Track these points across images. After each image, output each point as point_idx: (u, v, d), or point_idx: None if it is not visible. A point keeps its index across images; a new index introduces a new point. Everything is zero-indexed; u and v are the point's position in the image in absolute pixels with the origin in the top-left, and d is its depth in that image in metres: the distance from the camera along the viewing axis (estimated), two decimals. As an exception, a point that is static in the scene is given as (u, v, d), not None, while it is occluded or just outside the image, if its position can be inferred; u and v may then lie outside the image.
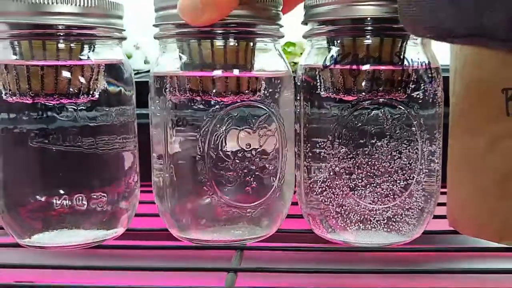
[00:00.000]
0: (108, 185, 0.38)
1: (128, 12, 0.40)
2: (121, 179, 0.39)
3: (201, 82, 0.36)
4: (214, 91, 0.36)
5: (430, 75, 0.37)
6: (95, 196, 0.37)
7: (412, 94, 0.36)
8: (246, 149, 0.37)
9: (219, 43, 0.36)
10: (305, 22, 0.39)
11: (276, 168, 0.38)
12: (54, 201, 0.37)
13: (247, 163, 0.37)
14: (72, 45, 0.36)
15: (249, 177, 0.37)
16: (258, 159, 0.37)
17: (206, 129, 0.36)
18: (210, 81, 0.36)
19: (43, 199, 0.37)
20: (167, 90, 0.37)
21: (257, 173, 0.37)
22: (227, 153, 0.36)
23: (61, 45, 0.36)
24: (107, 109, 0.38)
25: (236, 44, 0.36)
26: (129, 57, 0.85)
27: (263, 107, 0.37)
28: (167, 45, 0.38)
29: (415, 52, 0.37)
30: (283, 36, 0.39)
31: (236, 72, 0.37)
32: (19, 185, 0.37)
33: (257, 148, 0.37)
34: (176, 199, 0.38)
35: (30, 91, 0.36)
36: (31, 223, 0.37)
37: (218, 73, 0.36)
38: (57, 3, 0.34)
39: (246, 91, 0.37)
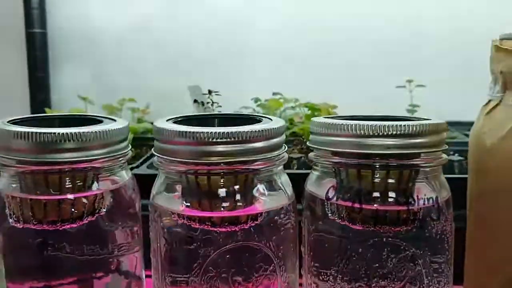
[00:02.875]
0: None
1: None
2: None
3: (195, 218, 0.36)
4: (210, 223, 0.35)
5: (437, 212, 0.35)
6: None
7: (418, 232, 0.35)
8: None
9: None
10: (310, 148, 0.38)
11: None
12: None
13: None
14: (74, 178, 0.36)
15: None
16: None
17: (200, 267, 0.35)
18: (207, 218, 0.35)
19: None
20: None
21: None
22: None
23: (63, 180, 0.36)
24: (112, 224, 0.38)
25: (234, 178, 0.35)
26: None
27: (259, 244, 0.36)
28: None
29: (422, 188, 0.36)
30: (285, 161, 0.38)
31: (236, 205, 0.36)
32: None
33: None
34: None
35: (34, 220, 0.36)
36: None
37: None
38: (58, 141, 0.34)
39: (245, 226, 0.36)
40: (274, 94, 0.83)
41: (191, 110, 0.82)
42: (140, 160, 0.63)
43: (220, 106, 0.67)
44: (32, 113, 1.05)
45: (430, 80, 0.81)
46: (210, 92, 0.65)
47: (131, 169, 0.41)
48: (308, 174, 0.40)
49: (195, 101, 0.66)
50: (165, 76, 0.98)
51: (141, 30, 1.01)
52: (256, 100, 0.83)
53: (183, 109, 0.87)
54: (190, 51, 1.00)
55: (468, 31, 0.89)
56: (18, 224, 0.37)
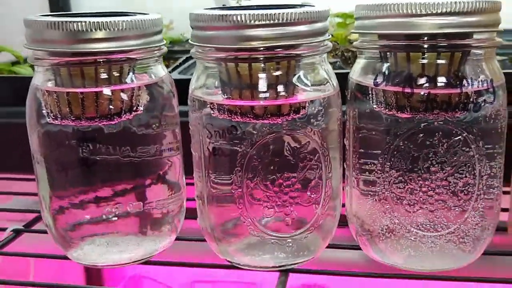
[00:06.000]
0: (153, 192, 0.38)
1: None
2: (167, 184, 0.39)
3: (240, 108, 0.34)
4: (253, 115, 0.34)
5: (492, 95, 0.34)
6: (140, 203, 0.38)
7: (471, 116, 0.33)
8: (285, 178, 0.35)
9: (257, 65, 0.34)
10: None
11: (319, 195, 0.36)
12: (104, 210, 0.37)
13: (286, 192, 0.35)
14: (110, 70, 0.35)
15: (289, 206, 0.36)
16: (299, 188, 0.35)
17: (243, 157, 0.34)
18: (249, 107, 0.34)
19: (92, 209, 0.37)
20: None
21: (298, 202, 0.36)
22: (265, 183, 0.35)
23: (99, 72, 0.35)
24: (149, 121, 0.37)
25: (277, 65, 0.34)
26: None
27: (304, 134, 0.35)
28: (205, 65, 0.36)
29: (476, 69, 0.34)
30: (330, 49, 0.36)
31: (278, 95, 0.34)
32: (68, 196, 0.38)
33: (298, 177, 0.35)
34: (214, 227, 0.38)
35: (71, 116, 0.36)
36: (79, 236, 0.38)
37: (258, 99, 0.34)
38: (91, 30, 0.33)
39: (287, 118, 0.35)
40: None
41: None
42: (171, 67, 0.62)
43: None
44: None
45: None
46: (238, -4, 0.62)
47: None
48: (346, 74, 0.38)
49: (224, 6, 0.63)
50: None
51: None
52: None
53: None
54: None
55: None
56: (56, 121, 0.36)
